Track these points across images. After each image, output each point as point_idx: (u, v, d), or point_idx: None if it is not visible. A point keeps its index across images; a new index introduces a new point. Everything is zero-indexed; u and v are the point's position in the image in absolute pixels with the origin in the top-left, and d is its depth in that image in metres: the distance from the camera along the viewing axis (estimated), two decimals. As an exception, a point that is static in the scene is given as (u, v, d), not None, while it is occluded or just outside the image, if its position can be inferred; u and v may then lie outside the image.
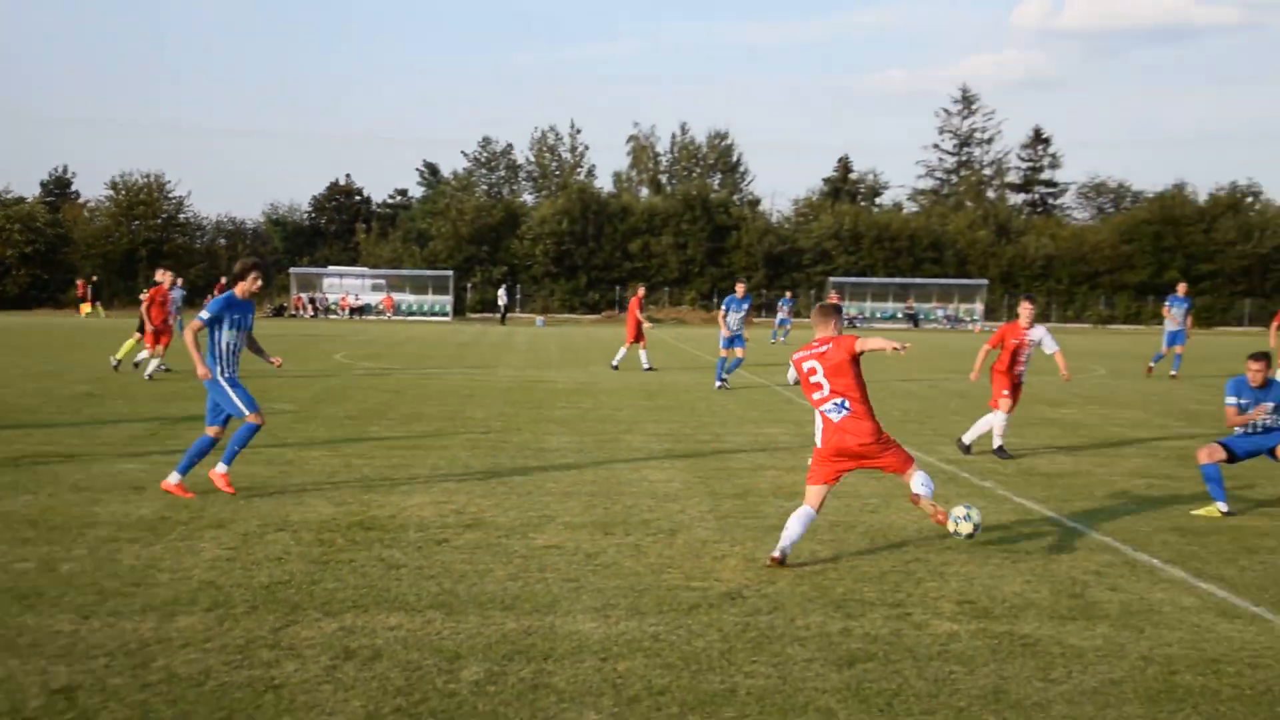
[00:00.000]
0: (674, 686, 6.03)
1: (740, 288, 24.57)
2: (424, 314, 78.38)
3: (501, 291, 76.29)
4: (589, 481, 12.27)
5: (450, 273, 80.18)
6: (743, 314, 24.23)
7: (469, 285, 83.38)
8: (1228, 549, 9.48)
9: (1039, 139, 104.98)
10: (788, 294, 58.12)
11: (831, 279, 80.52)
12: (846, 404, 8.76)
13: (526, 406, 19.72)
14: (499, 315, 74.67)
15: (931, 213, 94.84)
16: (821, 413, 8.89)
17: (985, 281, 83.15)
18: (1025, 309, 14.98)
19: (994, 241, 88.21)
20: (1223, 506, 10.98)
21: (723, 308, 24.15)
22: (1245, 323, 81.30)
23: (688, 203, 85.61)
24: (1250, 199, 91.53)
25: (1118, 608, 7.68)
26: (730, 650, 6.64)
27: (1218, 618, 7.49)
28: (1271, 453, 11.06)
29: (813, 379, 8.93)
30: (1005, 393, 14.74)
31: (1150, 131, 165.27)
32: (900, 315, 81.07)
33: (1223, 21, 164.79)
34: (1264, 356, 10.93)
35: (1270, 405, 11.04)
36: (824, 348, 8.94)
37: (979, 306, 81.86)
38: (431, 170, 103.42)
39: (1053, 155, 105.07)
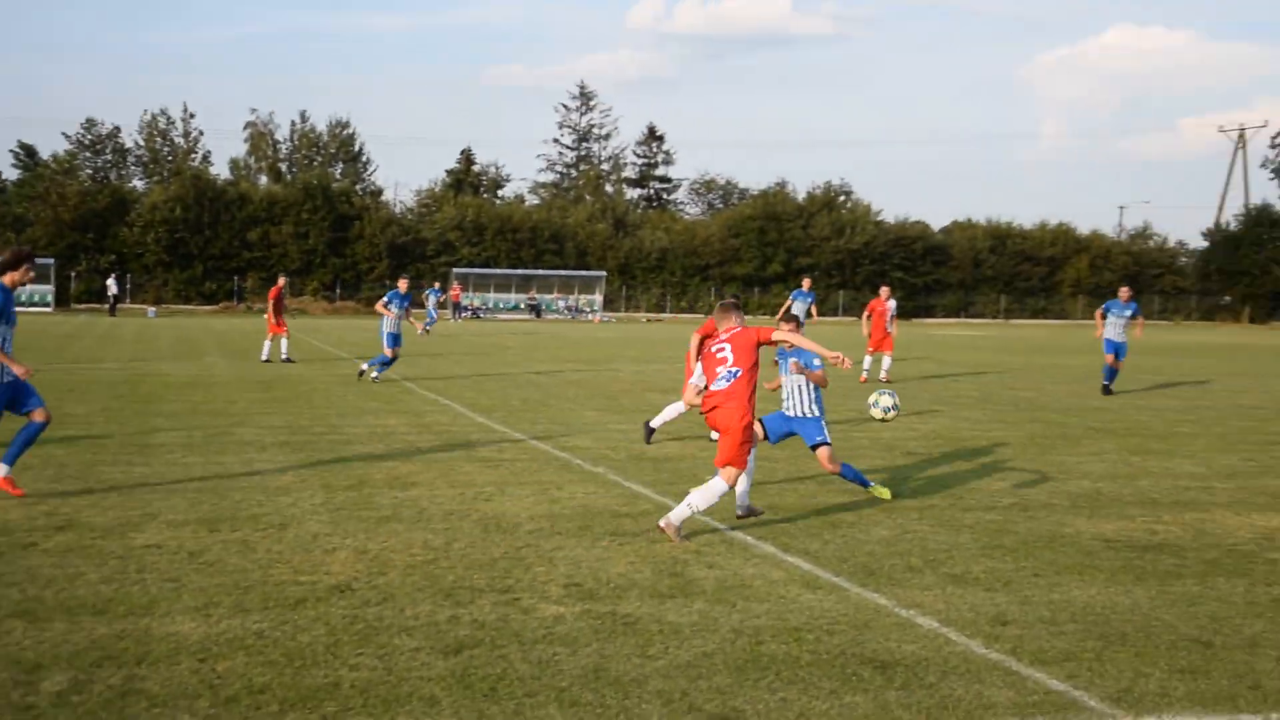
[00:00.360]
0: (275, 684, 5.92)
1: (404, 283, 24.55)
2: (22, 305, 73.08)
3: (111, 281, 72.16)
4: (196, 477, 11.85)
5: (51, 261, 74.91)
6: (404, 309, 24.20)
7: (73, 274, 78.47)
8: (814, 525, 10.12)
9: (653, 136, 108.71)
10: (435, 285, 58.27)
11: (455, 270, 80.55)
12: (737, 373, 9.56)
13: (133, 401, 18.82)
14: (108, 306, 70.66)
15: (552, 206, 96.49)
16: (712, 385, 9.69)
17: (604, 273, 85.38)
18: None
19: (612, 234, 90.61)
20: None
21: (388, 301, 23.91)
22: (839, 313, 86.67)
23: (308, 192, 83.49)
24: (843, 198, 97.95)
25: (713, 584, 8.07)
26: (336, 644, 6.58)
27: (802, 589, 7.99)
28: (813, 449, 11.35)
29: (719, 355, 9.77)
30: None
31: (754, 131, 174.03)
32: (523, 306, 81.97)
33: (817, 32, 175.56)
34: (793, 319, 11.53)
35: (794, 360, 11.23)
36: (733, 332, 9.84)
37: (598, 298, 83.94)
38: (28, 152, 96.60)
39: (666, 152, 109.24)
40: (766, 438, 11.45)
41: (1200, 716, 5.79)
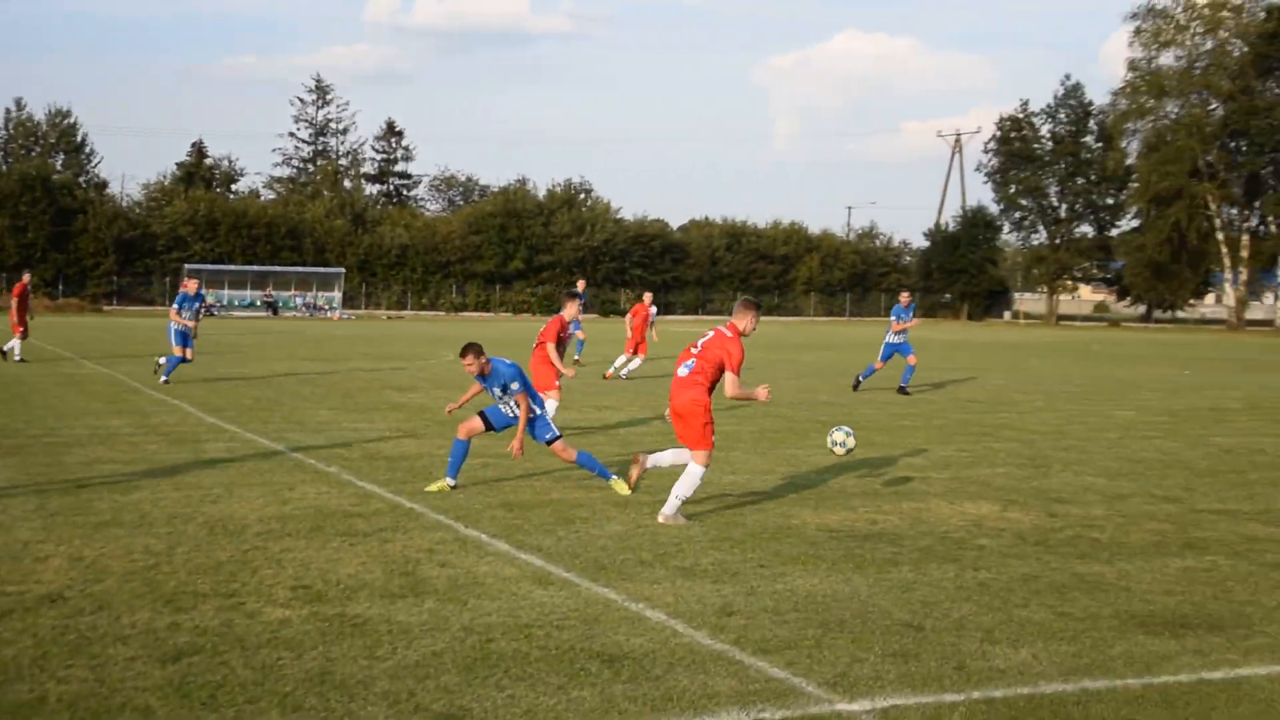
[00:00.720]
0: (-25, 701, 5.61)
1: (193, 284, 23.92)
2: None
3: None
4: (-108, 485, 11.11)
5: None
6: (195, 309, 23.47)
7: None
8: (548, 521, 10.16)
9: (392, 131, 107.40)
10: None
11: (187, 266, 77.70)
12: (693, 364, 10.27)
13: None
14: None
15: (289, 201, 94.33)
16: (677, 371, 10.40)
17: (343, 270, 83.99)
18: (573, 305, 15.44)
19: (351, 230, 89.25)
20: (450, 482, 11.49)
21: (179, 307, 23.09)
22: (588, 311, 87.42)
23: (26, 183, 79.40)
24: (583, 196, 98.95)
25: (445, 582, 8.02)
26: (44, 656, 6.26)
27: (534, 585, 8.02)
28: (548, 445, 11.56)
29: (692, 345, 10.44)
30: (557, 383, 14.99)
31: (494, 128, 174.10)
32: (259, 303, 79.83)
33: (556, 30, 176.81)
34: (470, 350, 11.29)
35: (498, 390, 11.32)
36: (719, 331, 10.39)
37: (337, 295, 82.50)
38: None
39: (406, 148, 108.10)
40: (491, 428, 11.50)
41: (909, 698, 6.05)
